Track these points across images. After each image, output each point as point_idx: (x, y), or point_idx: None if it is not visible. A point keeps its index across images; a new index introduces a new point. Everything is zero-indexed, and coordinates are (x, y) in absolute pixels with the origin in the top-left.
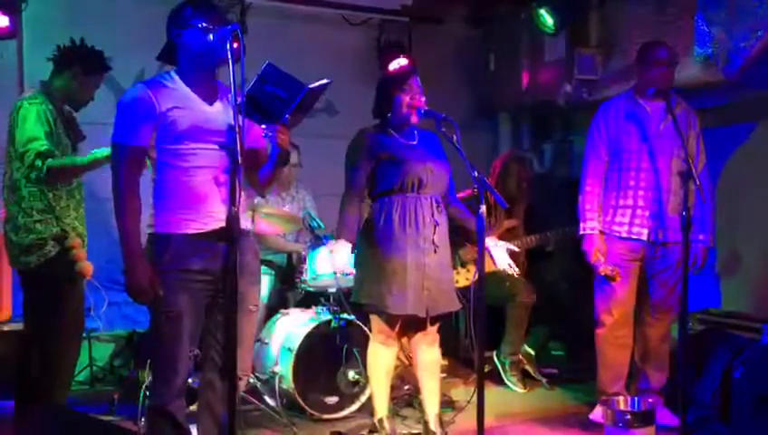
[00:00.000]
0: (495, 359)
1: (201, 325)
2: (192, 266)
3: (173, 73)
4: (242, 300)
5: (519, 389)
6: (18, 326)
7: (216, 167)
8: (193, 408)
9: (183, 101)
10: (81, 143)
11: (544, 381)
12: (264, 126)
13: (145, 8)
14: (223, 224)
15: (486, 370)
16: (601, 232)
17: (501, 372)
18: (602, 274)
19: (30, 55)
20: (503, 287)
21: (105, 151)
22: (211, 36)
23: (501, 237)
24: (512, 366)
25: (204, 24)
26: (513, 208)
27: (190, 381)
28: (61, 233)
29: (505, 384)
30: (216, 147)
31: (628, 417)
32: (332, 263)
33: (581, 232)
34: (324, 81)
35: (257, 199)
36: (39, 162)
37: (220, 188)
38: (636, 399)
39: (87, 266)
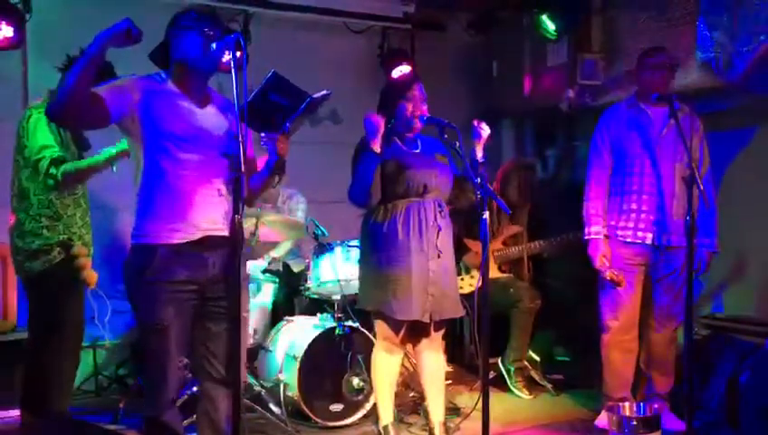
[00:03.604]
0: (500, 365)
1: (188, 334)
2: (178, 277)
3: (163, 75)
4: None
5: (524, 395)
6: (23, 335)
7: (207, 173)
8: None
9: (171, 101)
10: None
11: (550, 387)
12: (263, 134)
13: (148, 17)
14: (210, 233)
15: (491, 376)
16: (606, 237)
17: (506, 378)
18: (607, 278)
19: (34, 65)
20: (507, 293)
21: (113, 150)
22: (214, 45)
23: (505, 243)
24: (517, 372)
25: (205, 31)
26: (516, 214)
27: (195, 389)
28: (67, 240)
29: (511, 391)
30: (206, 153)
31: (635, 423)
32: None
33: (586, 237)
34: (325, 91)
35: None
36: (54, 169)
37: (210, 195)
38: (642, 404)
39: (92, 275)
